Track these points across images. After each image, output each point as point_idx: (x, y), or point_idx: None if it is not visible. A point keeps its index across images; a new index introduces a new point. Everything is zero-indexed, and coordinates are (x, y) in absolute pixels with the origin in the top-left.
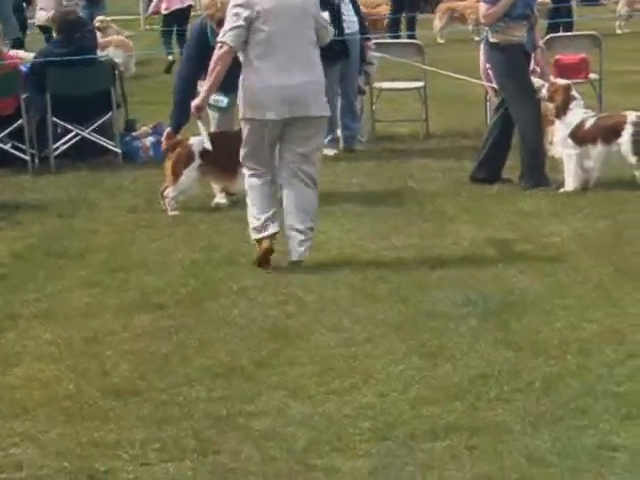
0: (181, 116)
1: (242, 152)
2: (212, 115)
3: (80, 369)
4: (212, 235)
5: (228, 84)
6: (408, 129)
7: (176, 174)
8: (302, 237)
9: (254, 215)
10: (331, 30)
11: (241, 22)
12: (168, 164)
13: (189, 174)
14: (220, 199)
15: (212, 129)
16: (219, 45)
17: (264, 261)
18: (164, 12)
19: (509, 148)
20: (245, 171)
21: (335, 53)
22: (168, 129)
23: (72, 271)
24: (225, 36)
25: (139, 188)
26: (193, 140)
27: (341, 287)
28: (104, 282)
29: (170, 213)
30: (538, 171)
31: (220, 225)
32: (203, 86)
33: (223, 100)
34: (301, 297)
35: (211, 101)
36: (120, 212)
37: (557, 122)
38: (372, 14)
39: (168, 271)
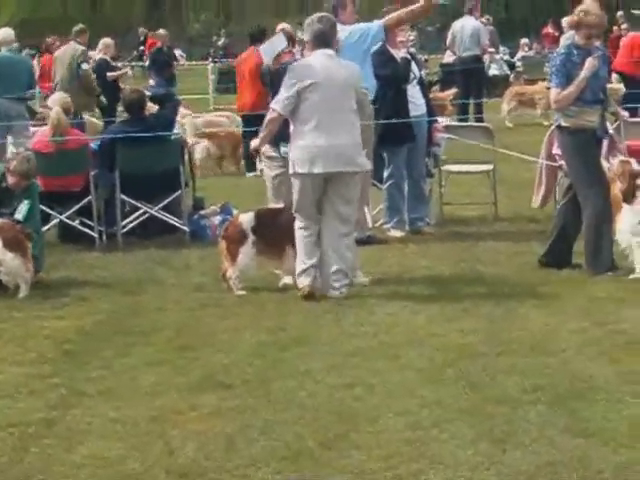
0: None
1: (293, 206)
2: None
3: (145, 448)
4: (279, 315)
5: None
6: (477, 212)
7: (233, 254)
8: (335, 277)
9: (302, 260)
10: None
11: (293, 92)
12: (222, 245)
13: (245, 252)
14: (287, 280)
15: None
16: (271, 110)
17: (308, 299)
18: None
19: (578, 232)
20: (296, 223)
21: (401, 136)
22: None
23: (139, 349)
24: (277, 104)
25: (206, 267)
26: (242, 218)
27: (408, 371)
28: (171, 360)
29: (237, 293)
30: (607, 257)
31: (287, 305)
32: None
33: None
34: (368, 380)
35: (282, 152)
36: (187, 291)
37: (624, 209)
38: (437, 99)
39: (235, 351)
